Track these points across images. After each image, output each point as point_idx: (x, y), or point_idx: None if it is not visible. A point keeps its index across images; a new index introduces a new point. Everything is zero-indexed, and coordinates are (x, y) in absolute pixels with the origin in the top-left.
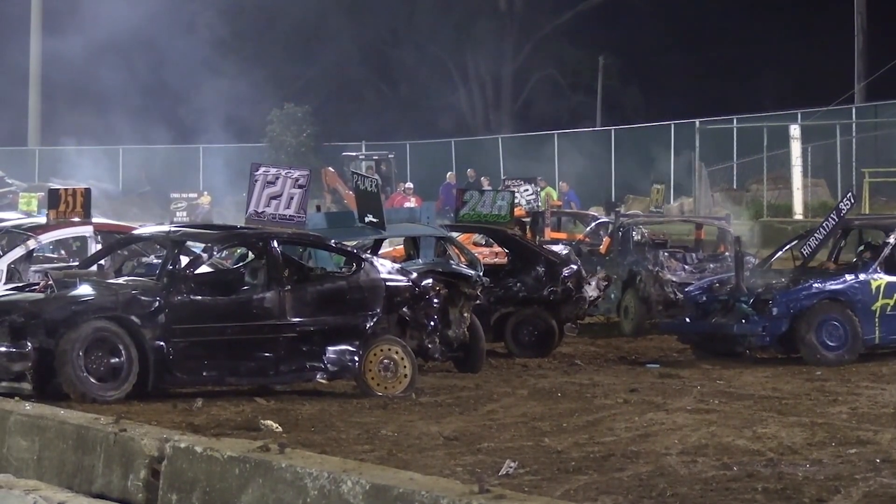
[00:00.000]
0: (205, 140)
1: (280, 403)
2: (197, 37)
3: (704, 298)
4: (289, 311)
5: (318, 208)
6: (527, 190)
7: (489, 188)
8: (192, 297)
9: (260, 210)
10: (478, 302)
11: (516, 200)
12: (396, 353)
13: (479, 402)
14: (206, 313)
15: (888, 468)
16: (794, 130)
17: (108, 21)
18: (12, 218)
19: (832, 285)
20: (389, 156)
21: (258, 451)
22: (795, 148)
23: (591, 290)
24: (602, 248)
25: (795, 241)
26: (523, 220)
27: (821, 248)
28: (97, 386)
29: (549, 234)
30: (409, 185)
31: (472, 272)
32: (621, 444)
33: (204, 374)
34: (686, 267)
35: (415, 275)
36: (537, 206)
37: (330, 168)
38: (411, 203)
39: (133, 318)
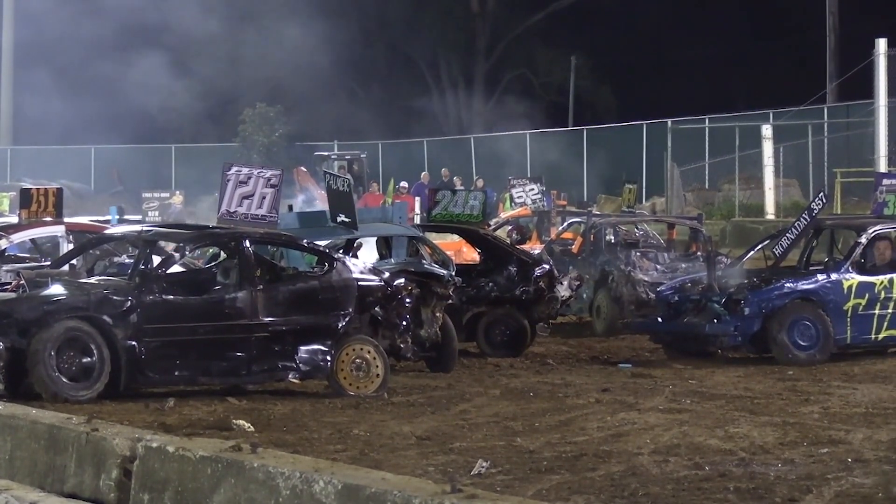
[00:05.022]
0: (177, 139)
1: (252, 403)
2: (169, 35)
3: (676, 298)
4: (261, 310)
5: (290, 208)
6: (532, 189)
7: (461, 188)
8: (164, 296)
9: (232, 210)
10: (450, 301)
11: (521, 200)
12: (368, 352)
13: (452, 401)
14: (178, 313)
15: (860, 468)
16: (766, 130)
17: (79, 18)
18: None
19: (804, 285)
20: (361, 155)
21: (230, 450)
22: (767, 148)
23: (563, 290)
24: (574, 248)
25: (767, 241)
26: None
27: (793, 248)
28: (69, 386)
29: (553, 233)
30: (404, 183)
31: (445, 272)
32: (593, 443)
33: (176, 373)
34: (658, 267)
35: (387, 274)
36: (543, 205)
37: (302, 167)
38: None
39: (105, 317)
